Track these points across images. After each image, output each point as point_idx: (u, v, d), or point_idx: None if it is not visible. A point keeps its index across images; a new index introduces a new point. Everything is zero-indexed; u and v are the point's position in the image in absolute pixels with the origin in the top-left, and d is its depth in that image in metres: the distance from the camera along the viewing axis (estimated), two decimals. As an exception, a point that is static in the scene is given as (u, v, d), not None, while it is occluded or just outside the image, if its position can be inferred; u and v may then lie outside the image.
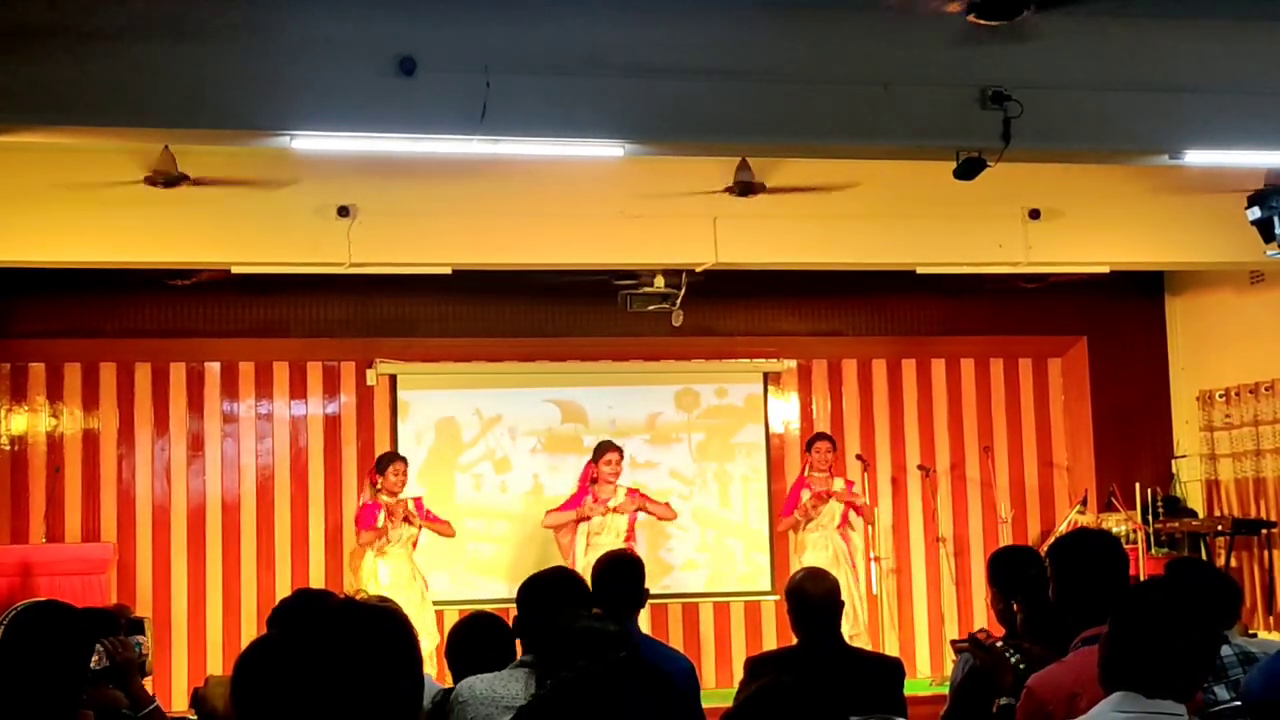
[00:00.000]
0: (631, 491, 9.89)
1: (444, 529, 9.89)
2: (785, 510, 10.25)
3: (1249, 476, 10.69)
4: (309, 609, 2.33)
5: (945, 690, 5.36)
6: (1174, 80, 6.69)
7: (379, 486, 9.79)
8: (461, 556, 10.76)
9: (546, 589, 4.34)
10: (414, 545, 9.76)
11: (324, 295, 10.34)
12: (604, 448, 9.90)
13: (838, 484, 10.12)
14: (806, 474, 10.23)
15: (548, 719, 1.98)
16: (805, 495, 10.01)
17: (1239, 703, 4.24)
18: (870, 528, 10.39)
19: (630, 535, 9.74)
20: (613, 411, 11.10)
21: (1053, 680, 3.88)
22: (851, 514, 10.09)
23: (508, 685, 4.00)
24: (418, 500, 9.84)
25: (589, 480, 9.88)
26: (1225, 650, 4.40)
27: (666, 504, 10.16)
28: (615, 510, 9.73)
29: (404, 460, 9.97)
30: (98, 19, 5.87)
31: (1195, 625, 3.45)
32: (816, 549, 9.83)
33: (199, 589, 10.58)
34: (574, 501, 9.84)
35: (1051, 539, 10.24)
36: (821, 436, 10.39)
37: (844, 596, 5.30)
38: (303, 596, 4.20)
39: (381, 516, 9.62)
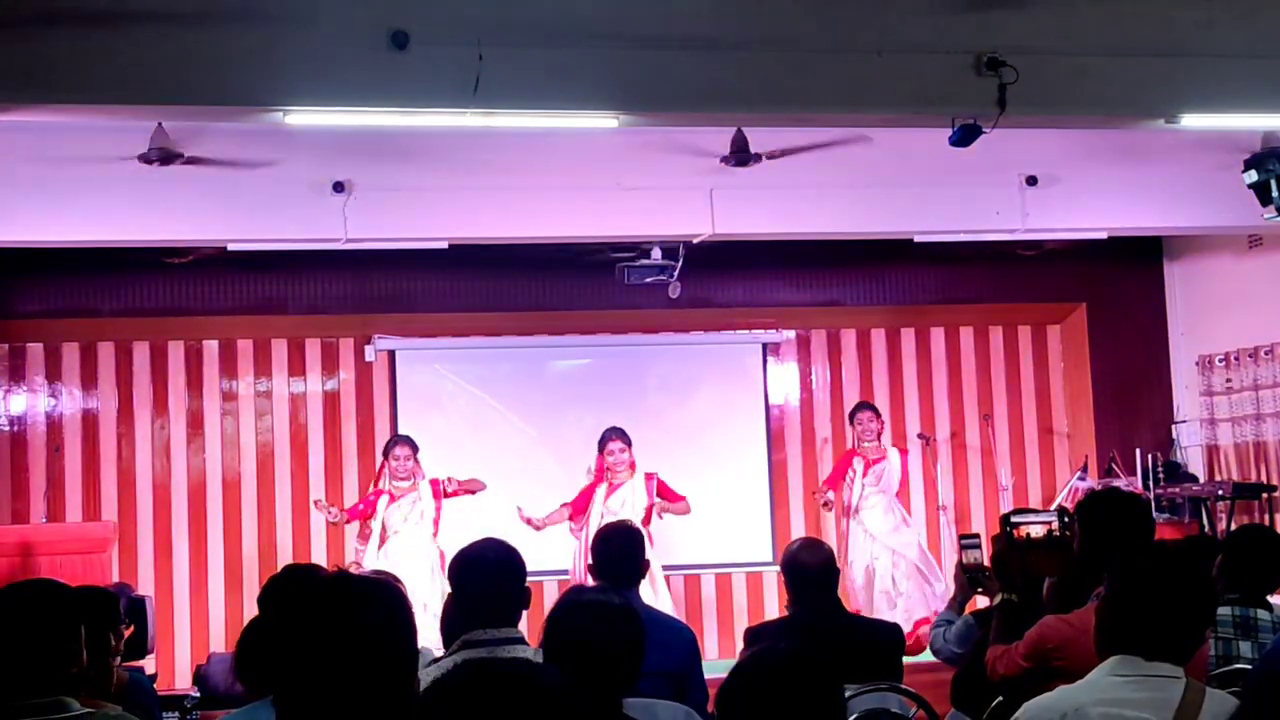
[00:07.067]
0: (649, 477, 9.59)
1: (473, 485, 9.56)
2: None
3: (1249, 441, 10.70)
4: (306, 583, 2.34)
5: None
6: (1170, 44, 6.66)
7: (386, 472, 9.58)
8: (461, 533, 10.71)
9: (482, 568, 4.13)
10: (435, 526, 9.43)
11: (321, 271, 10.32)
12: (605, 438, 9.57)
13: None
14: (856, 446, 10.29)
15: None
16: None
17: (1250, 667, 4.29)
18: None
19: (647, 520, 9.36)
20: (611, 384, 11.09)
21: (1062, 624, 4.12)
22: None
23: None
24: (434, 482, 9.52)
25: (601, 471, 9.57)
26: (1263, 614, 4.56)
27: (683, 499, 9.73)
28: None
29: (406, 442, 9.63)
30: (89, -3, 5.85)
31: (1192, 588, 3.46)
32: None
33: (200, 567, 10.59)
34: (579, 500, 9.59)
35: (1054, 505, 10.32)
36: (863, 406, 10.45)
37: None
38: (290, 572, 4.17)
39: (382, 504, 9.43)
